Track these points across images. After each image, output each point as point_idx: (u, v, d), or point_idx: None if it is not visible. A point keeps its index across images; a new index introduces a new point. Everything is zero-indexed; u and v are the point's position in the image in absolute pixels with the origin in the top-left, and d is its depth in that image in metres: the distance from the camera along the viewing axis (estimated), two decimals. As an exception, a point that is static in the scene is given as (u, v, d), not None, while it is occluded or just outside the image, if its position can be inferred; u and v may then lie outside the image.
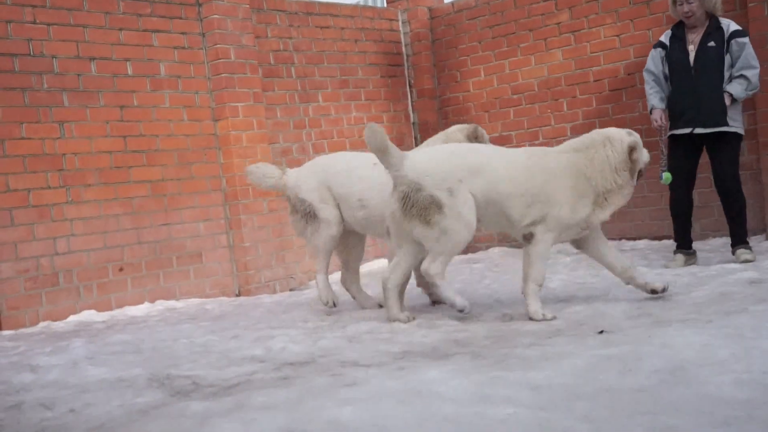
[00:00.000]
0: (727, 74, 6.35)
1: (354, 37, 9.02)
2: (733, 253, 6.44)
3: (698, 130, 6.38)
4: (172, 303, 6.96)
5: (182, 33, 7.49)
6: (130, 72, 7.12)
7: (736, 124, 6.39)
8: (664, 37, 6.69)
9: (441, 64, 9.61)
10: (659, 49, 6.65)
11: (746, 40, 6.37)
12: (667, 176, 6.20)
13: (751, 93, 6.42)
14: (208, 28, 7.59)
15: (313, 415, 3.00)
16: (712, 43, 6.37)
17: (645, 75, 6.77)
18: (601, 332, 4.16)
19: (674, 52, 6.54)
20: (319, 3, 8.76)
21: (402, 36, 9.62)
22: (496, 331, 4.43)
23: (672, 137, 6.55)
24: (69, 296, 6.62)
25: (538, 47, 8.81)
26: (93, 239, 6.80)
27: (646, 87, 6.73)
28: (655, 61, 6.66)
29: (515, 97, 9.03)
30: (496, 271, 7.22)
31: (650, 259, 6.80)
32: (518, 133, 8.94)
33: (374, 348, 4.18)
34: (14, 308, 6.35)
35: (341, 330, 4.81)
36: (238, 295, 7.59)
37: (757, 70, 6.36)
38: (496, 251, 8.78)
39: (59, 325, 6.22)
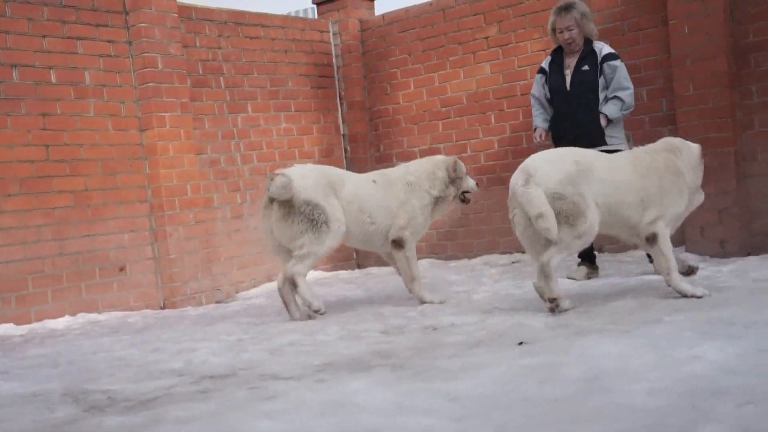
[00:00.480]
0: (602, 96, 6.56)
1: (284, 48, 9.01)
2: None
3: None
4: (94, 316, 6.83)
5: (108, 41, 7.38)
6: (53, 80, 6.99)
7: (616, 141, 6.60)
8: (545, 63, 6.91)
9: (371, 76, 9.65)
10: (540, 75, 6.91)
11: (618, 63, 6.57)
12: None
13: (626, 112, 6.61)
14: (135, 36, 7.49)
15: (232, 428, 2.97)
16: (586, 67, 6.60)
17: (531, 99, 7.04)
18: (521, 343, 4.22)
19: (553, 77, 6.78)
20: (249, 13, 8.72)
21: (333, 47, 9.63)
22: (418, 343, 4.45)
23: None
24: (-9, 309, 6.46)
25: (467, 61, 8.90)
26: (13, 250, 6.65)
27: (532, 109, 7.03)
28: (537, 86, 6.93)
29: (444, 109, 9.10)
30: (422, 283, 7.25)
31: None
32: (447, 145, 9.01)
33: (296, 360, 4.17)
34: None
35: (264, 343, 4.78)
36: (163, 307, 7.49)
37: (630, 91, 6.55)
38: (424, 263, 8.81)
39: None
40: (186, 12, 8.06)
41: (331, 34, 9.63)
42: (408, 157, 8.65)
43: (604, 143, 6.52)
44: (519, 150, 8.42)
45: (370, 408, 3.20)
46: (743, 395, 3.09)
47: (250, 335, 5.11)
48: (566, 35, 6.62)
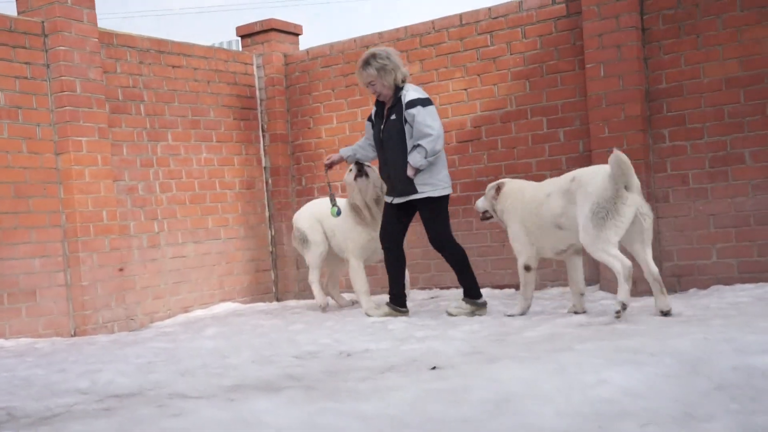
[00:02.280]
0: (409, 144, 6.51)
1: (207, 78, 8.97)
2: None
3: (396, 200, 6.70)
4: (0, 342, 6.61)
5: (25, 63, 7.25)
6: (-34, 99, 6.83)
7: (427, 188, 6.53)
8: (373, 111, 6.95)
9: (294, 109, 9.67)
10: (368, 123, 7.03)
11: (416, 110, 6.43)
12: (333, 210, 7.07)
13: (432, 158, 6.47)
14: (54, 59, 7.38)
15: (132, 442, 2.90)
16: (393, 117, 6.60)
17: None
18: (434, 368, 4.23)
19: (374, 127, 6.88)
20: (172, 42, 8.67)
21: (256, 80, 9.63)
22: (331, 367, 4.43)
23: (386, 205, 6.90)
24: None
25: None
26: None
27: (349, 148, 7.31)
28: (366, 133, 7.09)
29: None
30: (338, 314, 7.25)
31: (490, 305, 6.95)
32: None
33: (206, 381, 4.11)
34: None
35: (175, 365, 4.70)
36: (74, 335, 7.30)
37: (432, 137, 6.40)
38: (344, 296, 8.79)
39: None
40: (107, 38, 7.97)
41: (255, 66, 9.64)
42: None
43: (415, 191, 6.53)
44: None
45: (277, 426, 3.17)
46: (646, 416, 3.15)
47: (161, 358, 5.01)
48: (371, 89, 6.71)
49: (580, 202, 5.75)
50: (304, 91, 9.59)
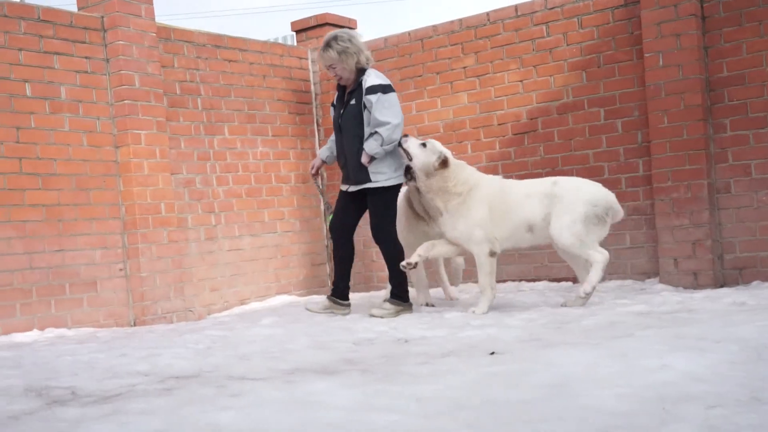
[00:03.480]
0: (367, 131, 6.39)
1: (262, 73, 9.03)
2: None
3: (351, 189, 6.59)
4: (62, 331, 6.72)
5: (86, 57, 7.37)
6: (28, 93, 6.95)
7: (382, 177, 6.41)
8: (335, 97, 6.80)
9: (348, 104, 9.67)
10: (332, 107, 6.88)
11: (376, 96, 6.31)
12: (330, 218, 6.74)
13: (389, 147, 6.34)
14: (113, 54, 7.48)
15: (191, 419, 2.93)
16: (353, 102, 6.48)
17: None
18: (492, 353, 4.19)
19: (334, 112, 6.76)
20: (229, 37, 8.75)
21: (311, 74, 9.67)
22: (388, 352, 4.42)
23: (339, 192, 6.81)
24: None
25: (445, 90, 8.95)
26: (-19, 262, 6.56)
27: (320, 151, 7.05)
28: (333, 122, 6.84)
29: (420, 138, 9.11)
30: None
31: (547, 296, 6.88)
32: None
33: (264, 365, 4.13)
34: None
35: (232, 350, 4.74)
36: (133, 325, 7.40)
37: (391, 125, 6.26)
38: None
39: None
40: (165, 33, 8.07)
41: (309, 60, 9.67)
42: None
43: (369, 180, 6.42)
44: (495, 179, 8.44)
45: (335, 406, 3.16)
46: (712, 400, 3.09)
47: (219, 344, 5.05)
48: (331, 73, 6.57)
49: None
50: (359, 85, 9.59)
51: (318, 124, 9.70)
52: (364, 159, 6.35)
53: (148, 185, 7.53)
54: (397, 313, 6.37)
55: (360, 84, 6.45)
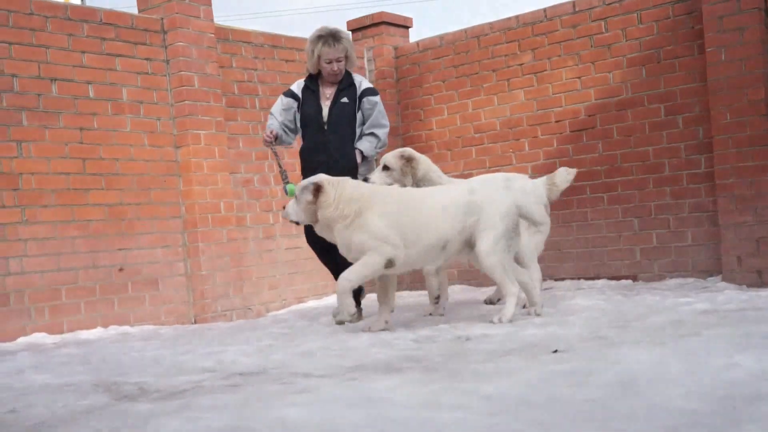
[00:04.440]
0: (358, 131, 6.36)
1: (319, 72, 9.06)
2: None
3: None
4: (125, 328, 6.84)
5: (146, 59, 7.48)
6: (91, 95, 7.08)
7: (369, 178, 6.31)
8: (296, 88, 6.55)
9: (405, 101, 9.69)
10: (288, 99, 6.52)
11: (377, 99, 6.42)
12: (290, 188, 6.02)
13: (380, 149, 6.46)
14: (173, 55, 7.58)
15: (260, 414, 2.95)
16: (345, 100, 6.35)
17: (270, 116, 6.63)
18: (555, 351, 4.16)
19: (307, 106, 6.44)
20: (285, 36, 8.80)
21: (367, 73, 9.68)
22: (450, 350, 4.41)
23: None
24: (20, 317, 6.48)
25: (501, 87, 8.91)
26: (47, 261, 6.69)
27: (268, 122, 6.60)
28: (278, 107, 6.53)
29: (477, 136, 9.10)
30: (453, 303, 7.21)
31: (607, 294, 6.81)
32: (479, 171, 8.98)
33: (326, 362, 4.15)
34: (-32, 325, 6.22)
35: (294, 347, 4.77)
36: (194, 323, 7.49)
37: (387, 129, 6.41)
38: (456, 288, 8.77)
39: (7, 346, 6.08)
40: (223, 33, 8.15)
41: (365, 60, 9.69)
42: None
43: (355, 179, 6.21)
44: (553, 176, 8.37)
45: (400, 403, 3.16)
46: (785, 399, 3.02)
47: (280, 342, 5.10)
48: (335, 67, 6.33)
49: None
50: (415, 83, 9.60)
51: (374, 123, 9.70)
52: (358, 158, 6.31)
53: (208, 184, 7.62)
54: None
55: (351, 84, 6.39)
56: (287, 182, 6.23)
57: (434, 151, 9.39)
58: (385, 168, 6.22)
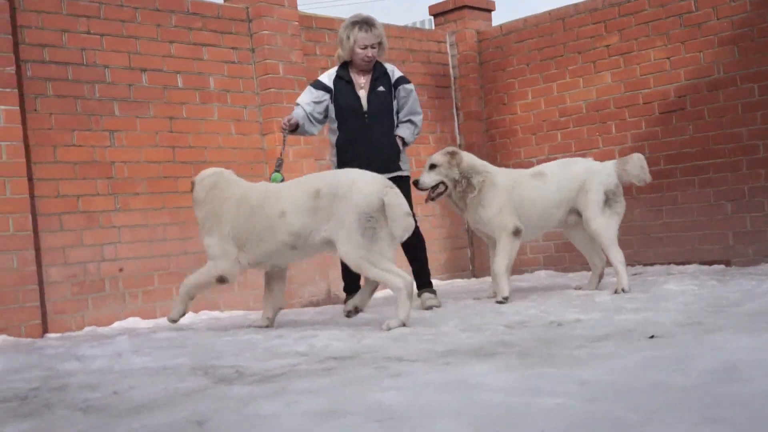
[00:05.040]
0: (395, 119, 6.36)
1: (402, 58, 9.06)
2: (419, 296, 6.33)
3: None
4: (215, 314, 6.96)
5: (232, 48, 7.57)
6: (180, 84, 7.20)
7: (406, 167, 6.42)
8: (327, 79, 6.44)
9: (488, 86, 9.61)
10: (318, 91, 6.38)
11: (411, 86, 6.49)
12: (276, 176, 5.93)
13: (417, 136, 6.58)
14: (258, 43, 7.67)
15: (356, 398, 2.96)
16: (381, 88, 6.32)
17: (296, 107, 6.46)
18: (652, 337, 4.08)
19: (344, 95, 6.35)
20: (370, 23, 8.81)
21: (449, 58, 9.64)
22: (542, 335, 4.36)
23: None
24: (115, 302, 6.66)
25: (587, 70, 8.77)
26: (139, 247, 6.85)
27: (296, 114, 6.39)
28: (307, 97, 6.39)
29: (563, 119, 8.98)
30: (541, 288, 7.14)
31: (701, 280, 6.65)
32: (565, 155, 8.86)
33: (418, 347, 4.14)
34: (61, 312, 6.40)
35: (385, 332, 4.78)
36: (281, 308, 7.55)
37: (422, 116, 6.56)
38: (541, 274, 8.69)
39: (104, 330, 6.25)
40: (307, 21, 8.20)
41: (448, 44, 9.65)
42: (524, 167, 8.59)
43: (400, 169, 6.34)
44: (641, 160, 8.22)
45: (496, 388, 3.13)
46: None
47: (371, 326, 5.11)
48: (369, 53, 6.27)
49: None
50: (498, 67, 9.51)
51: (457, 108, 9.67)
52: (400, 145, 6.37)
53: (294, 171, 7.67)
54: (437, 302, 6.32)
55: (385, 73, 6.40)
56: (277, 171, 6.02)
57: (518, 135, 9.31)
58: (432, 167, 6.44)
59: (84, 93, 6.66)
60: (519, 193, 6.43)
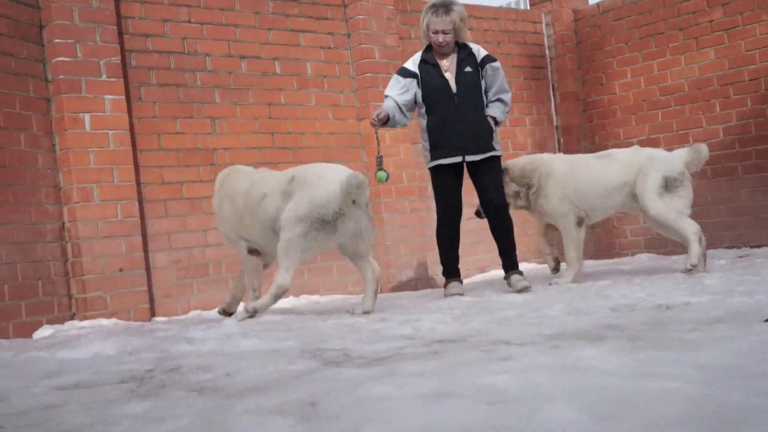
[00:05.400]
0: (484, 99, 6.21)
1: (497, 39, 8.97)
2: (508, 279, 6.23)
3: (469, 158, 6.15)
4: (315, 297, 7.04)
5: (328, 33, 7.62)
6: (278, 71, 7.29)
7: (498, 146, 6.28)
8: (412, 65, 6.30)
9: (585, 66, 9.44)
10: (406, 78, 6.26)
11: (498, 65, 6.38)
12: (381, 175, 5.89)
13: (507, 115, 6.50)
14: (353, 28, 7.69)
15: (467, 381, 2.94)
16: (468, 69, 6.18)
17: (386, 99, 6.34)
18: (767, 320, 3.95)
19: (431, 79, 6.22)
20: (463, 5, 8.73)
21: (545, 38, 9.51)
22: (652, 319, 4.27)
23: (439, 168, 6.27)
24: (218, 287, 6.79)
25: (689, 47, 8.53)
26: (241, 232, 6.95)
27: (385, 106, 6.28)
28: (395, 88, 6.28)
29: (663, 98, 8.76)
30: (645, 271, 6.99)
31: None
32: (666, 135, 8.66)
33: (524, 330, 4.10)
34: (167, 296, 6.57)
35: (489, 315, 4.75)
36: (380, 292, 7.60)
37: (510, 94, 6.44)
38: (642, 257, 8.51)
39: (209, 314, 6.38)
40: (401, 5, 8.19)
41: (543, 24, 9.51)
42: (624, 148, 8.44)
43: (493, 149, 6.21)
44: (747, 139, 7.98)
45: (608, 372, 3.08)
46: None
47: (474, 310, 5.09)
48: (440, 38, 6.15)
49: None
50: (596, 46, 9.33)
51: (553, 89, 9.53)
52: (494, 125, 6.28)
53: (391, 155, 7.69)
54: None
55: (470, 53, 6.29)
56: (380, 169, 6.00)
57: (617, 115, 9.12)
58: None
59: (186, 81, 6.80)
60: (579, 176, 6.46)
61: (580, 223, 6.41)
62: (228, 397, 2.98)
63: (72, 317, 6.13)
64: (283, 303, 6.65)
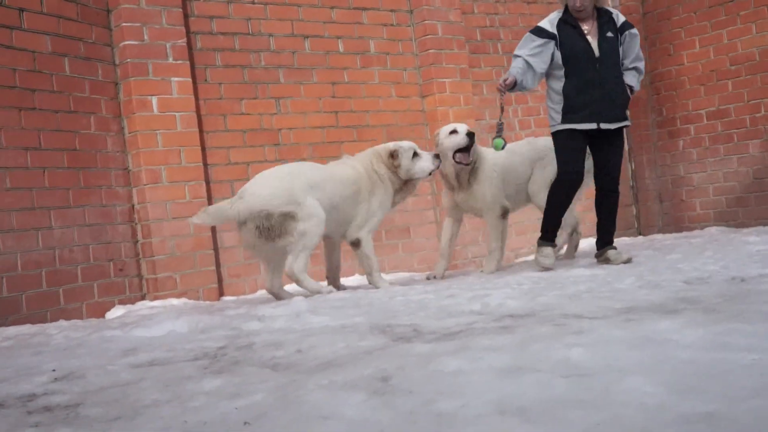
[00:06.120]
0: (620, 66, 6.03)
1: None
2: (603, 254, 6.09)
3: (604, 125, 5.92)
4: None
5: (391, 10, 7.59)
6: (341, 49, 7.29)
7: (628, 117, 6.15)
8: (549, 26, 6.03)
9: (652, 37, 9.25)
10: (541, 39, 6.00)
11: (636, 31, 6.23)
12: (497, 143, 5.82)
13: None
14: (416, 4, 7.65)
15: (541, 355, 2.92)
16: (610, 34, 5.99)
17: (514, 59, 6.10)
18: None
19: (572, 41, 5.98)
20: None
21: (611, 10, 9.31)
22: (726, 292, 4.18)
23: (569, 132, 6.01)
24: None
25: (761, 14, 8.30)
26: (308, 211, 6.98)
27: (514, 66, 6.04)
28: (527, 48, 6.03)
29: (734, 68, 8.55)
30: (715, 244, 6.85)
31: None
32: (737, 106, 8.46)
33: (595, 304, 4.05)
34: (235, 276, 6.65)
35: (559, 290, 4.70)
36: (446, 269, 7.58)
37: (644, 62, 6.27)
38: (712, 230, 8.35)
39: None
40: (464, -21, 8.12)
41: (608, -4, 9.33)
42: (692, 120, 8.28)
43: (626, 118, 6.07)
44: (821, 107, 7.75)
45: (684, 344, 3.03)
46: None
47: (542, 285, 5.04)
48: (578, 2, 5.93)
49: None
50: (663, 17, 9.14)
51: (619, 61, 9.35)
52: (630, 94, 6.17)
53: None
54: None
55: (611, 18, 6.12)
56: (498, 136, 5.95)
57: (686, 87, 8.94)
58: None
59: (250, 62, 6.84)
60: None
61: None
62: (301, 373, 3.01)
63: (143, 297, 6.23)
64: (349, 281, 6.68)
